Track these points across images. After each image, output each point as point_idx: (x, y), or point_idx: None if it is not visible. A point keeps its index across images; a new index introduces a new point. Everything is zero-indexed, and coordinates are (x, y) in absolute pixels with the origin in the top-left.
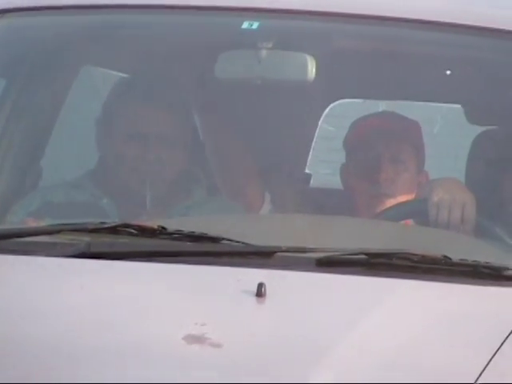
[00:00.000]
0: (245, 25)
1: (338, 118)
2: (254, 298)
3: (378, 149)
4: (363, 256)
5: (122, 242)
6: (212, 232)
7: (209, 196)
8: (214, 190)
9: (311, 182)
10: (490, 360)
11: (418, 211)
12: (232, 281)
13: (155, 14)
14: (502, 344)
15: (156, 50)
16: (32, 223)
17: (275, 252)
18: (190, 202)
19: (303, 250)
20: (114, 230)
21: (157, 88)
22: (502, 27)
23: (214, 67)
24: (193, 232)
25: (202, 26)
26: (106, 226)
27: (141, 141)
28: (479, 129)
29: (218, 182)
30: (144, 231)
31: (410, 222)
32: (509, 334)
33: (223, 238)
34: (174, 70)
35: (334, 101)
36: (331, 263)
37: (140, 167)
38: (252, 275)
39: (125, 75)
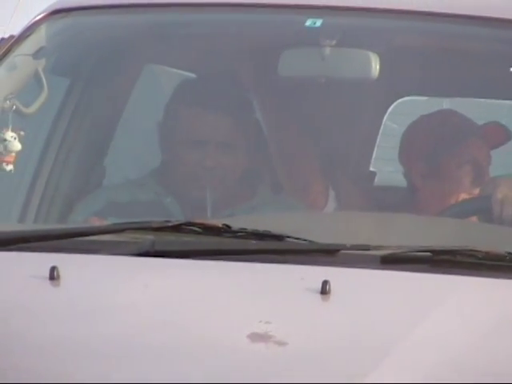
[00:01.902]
0: (308, 22)
1: (402, 115)
2: (319, 296)
3: (443, 146)
4: (427, 253)
5: (186, 241)
6: (276, 230)
7: (273, 195)
8: (279, 188)
9: (375, 179)
10: None
11: (483, 208)
12: (296, 278)
13: (218, 12)
14: None
15: (218, 48)
16: (96, 222)
17: (339, 250)
18: (254, 201)
19: (367, 248)
20: (178, 229)
21: (218, 88)
22: None
23: (277, 65)
24: (257, 230)
25: (265, 23)
26: (170, 224)
27: (201, 146)
28: None
29: (282, 180)
30: (208, 229)
31: (475, 219)
32: None
33: (287, 236)
34: (237, 68)
35: (397, 98)
36: (395, 260)
37: (200, 173)
38: (316, 273)
39: (187, 73)
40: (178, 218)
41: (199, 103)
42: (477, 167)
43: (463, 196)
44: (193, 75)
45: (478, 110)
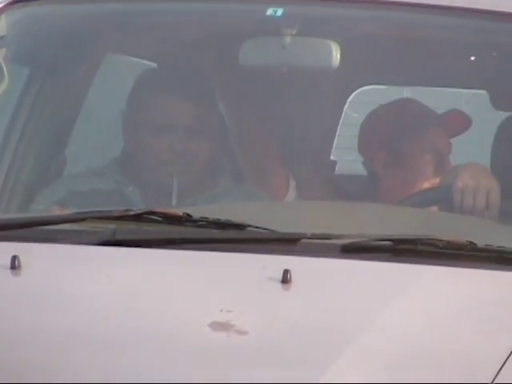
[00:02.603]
0: (269, 11)
1: (362, 104)
2: (280, 285)
3: (403, 135)
4: (388, 242)
5: (147, 230)
6: (237, 219)
7: (234, 184)
8: (240, 178)
9: (336, 168)
10: None
11: (443, 197)
12: (257, 268)
13: (180, 1)
14: None
15: (180, 38)
16: (57, 211)
17: (300, 239)
18: (215, 191)
19: (328, 237)
20: (139, 218)
21: (181, 77)
22: None
23: (239, 54)
24: (218, 219)
25: (226, 12)
26: (131, 213)
27: (167, 132)
28: (504, 114)
29: (244, 169)
30: (169, 218)
31: (436, 208)
32: None
33: (248, 225)
34: (198, 57)
35: (358, 87)
36: (356, 250)
37: (166, 158)
38: (277, 262)
39: (149, 63)
40: (138, 206)
41: (163, 91)
42: (438, 156)
43: (424, 185)
44: (154, 65)
45: (437, 98)
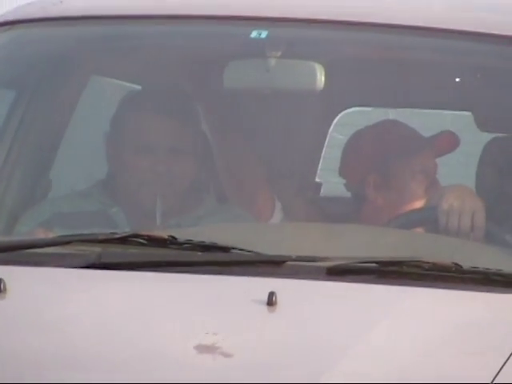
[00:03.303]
0: (253, 34)
1: (347, 126)
2: (265, 307)
3: (388, 157)
4: (374, 264)
5: (132, 253)
6: (222, 241)
7: (220, 205)
8: (225, 199)
9: (321, 190)
10: (502, 368)
11: (429, 219)
12: (243, 290)
13: (164, 24)
14: None
15: (164, 60)
16: (42, 234)
17: (285, 261)
18: (200, 212)
19: (313, 259)
20: (124, 241)
21: (166, 99)
22: (508, 33)
23: (223, 77)
24: (203, 241)
25: (211, 35)
26: (116, 236)
27: (151, 153)
28: (489, 136)
29: (229, 191)
30: (154, 241)
31: (421, 229)
32: None
33: (233, 248)
34: (182, 79)
35: (343, 109)
36: (342, 272)
37: (150, 179)
38: (263, 284)
39: (134, 85)
40: (123, 228)
41: (145, 112)
42: (425, 177)
43: (412, 206)
44: (138, 87)
45: (423, 120)
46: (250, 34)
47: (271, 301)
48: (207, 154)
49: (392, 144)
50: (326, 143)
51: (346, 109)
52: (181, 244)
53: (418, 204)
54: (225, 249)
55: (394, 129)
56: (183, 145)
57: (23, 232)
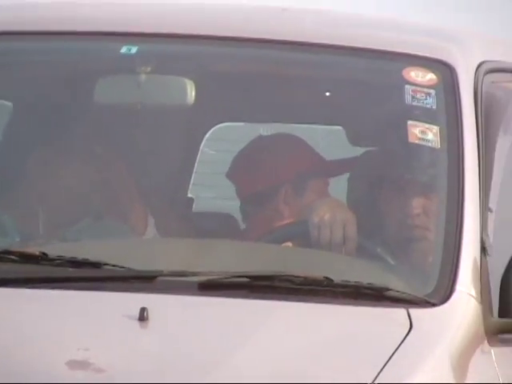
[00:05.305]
0: (123, 49)
1: (219, 141)
2: (137, 323)
3: (258, 171)
4: (245, 279)
5: (4, 269)
6: (93, 257)
7: (93, 221)
8: (99, 215)
9: (194, 205)
10: (374, 380)
11: (300, 233)
12: (114, 306)
13: (34, 40)
14: (386, 364)
15: (34, 77)
16: None
17: (157, 276)
18: (73, 228)
19: (185, 274)
20: None
21: (37, 115)
22: (378, 48)
23: (94, 92)
24: (74, 257)
25: (81, 51)
26: None
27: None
28: (360, 150)
29: (102, 207)
30: (26, 258)
31: (291, 243)
32: (392, 355)
33: (105, 263)
34: (52, 96)
35: (214, 124)
36: (213, 286)
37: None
38: (134, 300)
39: (3, 101)
40: (13, 236)
41: (21, 132)
42: (291, 189)
43: (283, 221)
44: (9, 103)
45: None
46: (120, 49)
47: (143, 316)
48: (80, 169)
49: (288, 159)
50: (197, 158)
51: (217, 124)
52: (52, 260)
53: (292, 218)
54: (97, 264)
55: (292, 144)
56: (54, 165)
57: None
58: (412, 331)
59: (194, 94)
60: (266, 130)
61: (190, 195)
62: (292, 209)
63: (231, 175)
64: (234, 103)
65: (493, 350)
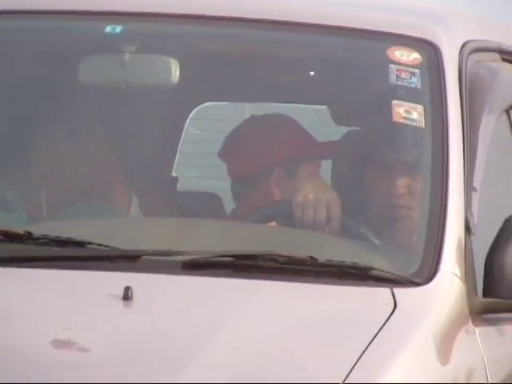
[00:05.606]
0: (108, 29)
1: (203, 120)
2: (121, 302)
3: (251, 152)
4: (229, 258)
5: None
6: (78, 236)
7: (77, 201)
8: (83, 194)
9: (178, 185)
10: (358, 360)
11: (284, 212)
12: (98, 285)
13: (18, 19)
14: (370, 344)
15: (18, 56)
16: None
17: (141, 255)
18: (78, 206)
19: (169, 253)
20: None
21: (20, 93)
22: (363, 27)
23: (78, 71)
24: (59, 236)
25: (64, 30)
26: None
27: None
28: (344, 129)
29: (88, 186)
30: (10, 236)
31: (275, 223)
32: (376, 334)
33: (89, 243)
34: (36, 76)
35: (198, 104)
36: (197, 266)
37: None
38: (118, 279)
39: None
40: (20, 214)
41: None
42: (283, 172)
43: (267, 200)
44: None
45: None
46: (105, 28)
47: (127, 295)
48: (63, 150)
49: (282, 141)
50: (182, 137)
51: (201, 103)
52: (37, 239)
53: (275, 198)
54: (81, 244)
55: (285, 126)
56: (39, 146)
57: None
58: (396, 311)
59: (178, 73)
60: (250, 109)
61: (174, 174)
62: (284, 191)
63: (223, 155)
64: (218, 82)
65: (477, 330)
